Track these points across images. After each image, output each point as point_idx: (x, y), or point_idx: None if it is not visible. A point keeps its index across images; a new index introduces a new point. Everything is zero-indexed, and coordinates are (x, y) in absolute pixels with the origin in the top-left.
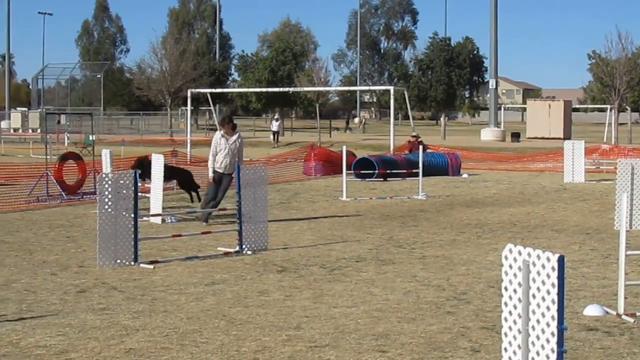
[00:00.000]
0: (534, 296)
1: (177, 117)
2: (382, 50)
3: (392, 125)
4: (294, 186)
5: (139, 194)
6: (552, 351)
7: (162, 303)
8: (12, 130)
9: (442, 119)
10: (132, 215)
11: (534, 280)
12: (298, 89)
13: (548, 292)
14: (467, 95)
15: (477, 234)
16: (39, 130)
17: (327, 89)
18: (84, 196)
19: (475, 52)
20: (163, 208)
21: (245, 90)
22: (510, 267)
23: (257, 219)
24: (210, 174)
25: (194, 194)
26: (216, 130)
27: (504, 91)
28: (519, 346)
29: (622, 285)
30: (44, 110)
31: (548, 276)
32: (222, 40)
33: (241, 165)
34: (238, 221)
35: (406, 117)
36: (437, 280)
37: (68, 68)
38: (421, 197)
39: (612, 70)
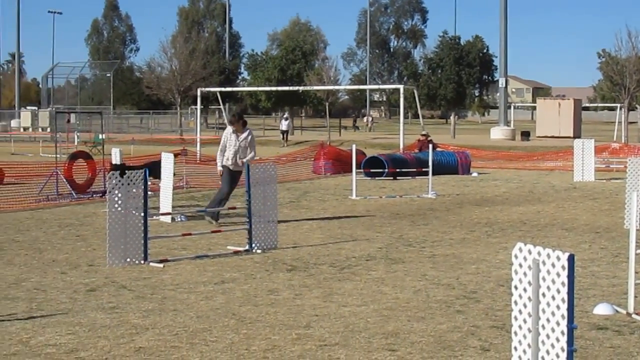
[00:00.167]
0: (543, 295)
1: (186, 116)
2: (391, 49)
3: (401, 124)
4: (303, 185)
5: (149, 192)
6: (562, 350)
7: (171, 302)
8: (22, 129)
9: (451, 117)
10: (142, 214)
11: (543, 279)
12: (308, 88)
13: (558, 291)
14: (476, 94)
15: (487, 232)
16: (48, 129)
17: (336, 87)
18: (94, 195)
19: (485, 50)
20: (173, 207)
21: (255, 89)
22: (520, 265)
23: (266, 218)
24: (219, 168)
25: None
26: (225, 128)
27: (513, 90)
28: (528, 345)
29: (632, 284)
30: (53, 109)
31: (558, 275)
32: (231, 39)
33: (252, 158)
34: (248, 220)
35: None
36: (446, 279)
37: (78, 67)
38: (431, 195)
39: (622, 68)
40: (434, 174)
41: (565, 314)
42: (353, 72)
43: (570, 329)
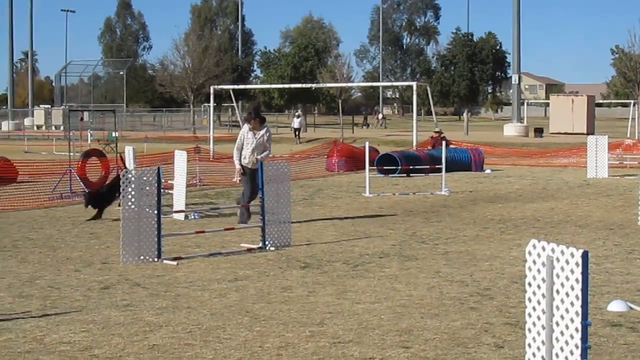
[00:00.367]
0: (557, 292)
1: (199, 113)
2: (404, 46)
3: (414, 121)
4: (316, 182)
5: (162, 190)
6: (576, 347)
7: (185, 299)
8: (35, 128)
9: (464, 114)
10: (156, 212)
11: (557, 275)
12: (320, 85)
13: (572, 288)
14: (489, 91)
15: (501, 229)
16: (62, 127)
17: (349, 85)
18: None
19: (497, 47)
20: (186, 204)
21: (268, 86)
22: (534, 262)
23: (280, 216)
24: (238, 166)
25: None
26: (239, 126)
27: (526, 86)
28: (542, 342)
29: None
30: (67, 107)
31: (572, 272)
32: (244, 37)
33: (267, 156)
34: (261, 217)
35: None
36: (460, 276)
37: (91, 65)
38: (444, 192)
39: (635, 65)
40: (447, 171)
41: (579, 311)
42: (366, 69)
43: (584, 325)
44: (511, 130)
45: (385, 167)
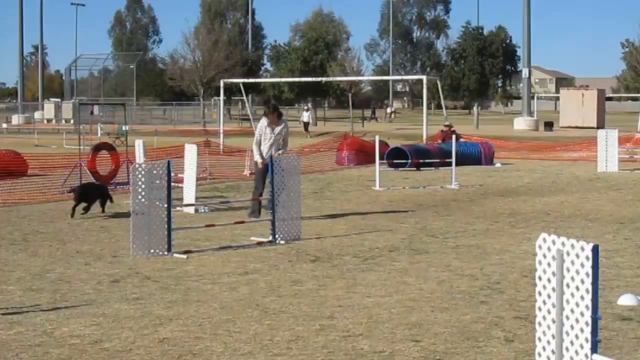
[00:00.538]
0: (567, 285)
1: (209, 107)
2: (414, 40)
3: (425, 115)
4: (327, 176)
5: (172, 184)
6: (586, 340)
7: (195, 293)
8: (45, 121)
9: (475, 108)
10: (166, 205)
11: (567, 269)
12: (330, 79)
13: (582, 282)
14: (499, 85)
15: (511, 223)
16: (72, 121)
17: (359, 78)
18: (117, 186)
19: (508, 41)
20: (196, 198)
21: (278, 80)
22: (544, 256)
23: (290, 209)
24: (259, 160)
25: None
26: (249, 120)
27: (537, 80)
28: (552, 336)
29: None
30: (77, 101)
31: (582, 265)
32: (254, 31)
33: (285, 152)
34: (271, 211)
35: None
36: (470, 270)
37: (101, 59)
38: (454, 186)
39: None
40: (457, 164)
41: (590, 305)
42: (376, 63)
43: (595, 319)
44: (521, 124)
45: (395, 161)
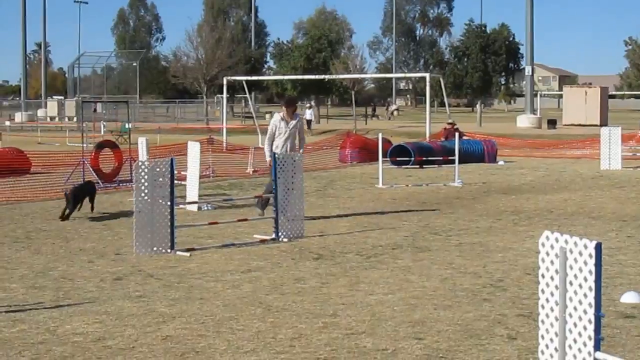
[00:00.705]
0: (571, 283)
1: (213, 104)
2: (417, 37)
3: (428, 113)
4: (330, 174)
5: (175, 181)
6: (589, 338)
7: (198, 290)
8: (48, 119)
9: (478, 106)
10: (169, 203)
11: (571, 267)
12: (334, 77)
13: (585, 279)
14: (503, 82)
15: (514, 221)
16: (75, 119)
17: (362, 76)
18: (121, 184)
19: (511, 38)
20: (199, 196)
21: (281, 77)
22: (547, 254)
23: (293, 207)
24: (268, 158)
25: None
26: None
27: (540, 78)
28: (556, 333)
29: None
30: (80, 98)
31: (585, 263)
32: (257, 28)
33: (303, 147)
34: (274, 209)
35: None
36: (473, 268)
37: (104, 56)
38: (457, 184)
39: None
40: (460, 162)
41: (592, 303)
42: (379, 61)
43: (598, 317)
44: (524, 121)
45: (398, 159)
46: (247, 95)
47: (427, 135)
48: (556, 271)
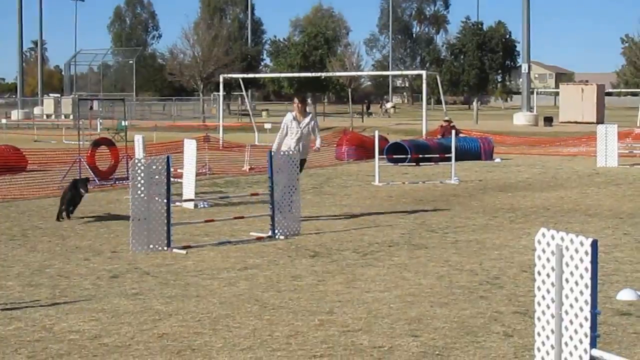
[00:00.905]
0: (567, 280)
1: (209, 102)
2: (414, 35)
3: (424, 110)
4: (326, 171)
5: (172, 179)
6: (586, 336)
7: (194, 288)
8: (44, 117)
9: (474, 103)
10: (165, 201)
11: (567, 264)
12: (330, 74)
13: (581, 277)
14: (499, 80)
15: (510, 218)
16: (71, 116)
17: (359, 73)
18: (117, 182)
19: (507, 36)
20: (196, 193)
21: (278, 75)
22: (544, 251)
23: (289, 204)
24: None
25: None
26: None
27: (536, 75)
28: (552, 331)
29: None
30: (76, 96)
31: (581, 260)
32: (254, 26)
33: (320, 143)
34: (270, 206)
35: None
36: (469, 265)
37: (100, 54)
38: (454, 181)
39: None
40: (456, 159)
41: (589, 300)
42: (375, 58)
43: (594, 314)
44: (521, 119)
45: (394, 156)
46: (244, 92)
47: (424, 132)
48: (552, 268)
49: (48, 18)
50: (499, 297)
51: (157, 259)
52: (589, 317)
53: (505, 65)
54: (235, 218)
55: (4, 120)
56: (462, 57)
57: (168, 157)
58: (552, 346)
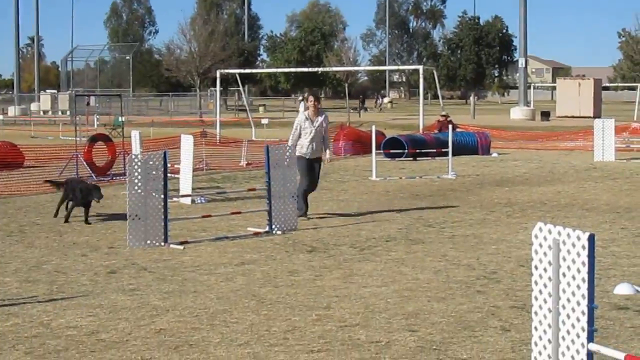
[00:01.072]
0: (564, 275)
1: (206, 98)
2: (411, 30)
3: (421, 105)
4: (323, 166)
5: (169, 175)
6: (583, 330)
7: (192, 283)
8: (41, 112)
9: (471, 98)
10: (162, 196)
11: (564, 258)
12: (327, 69)
13: (578, 271)
14: (496, 75)
15: (507, 213)
16: (68, 112)
17: (356, 68)
18: (114, 177)
19: (504, 31)
20: (193, 189)
21: (274, 70)
22: (541, 245)
23: (286, 199)
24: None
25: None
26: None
27: (533, 70)
28: (549, 325)
29: None
30: (73, 92)
31: (578, 255)
32: (250, 21)
33: (328, 146)
34: (268, 202)
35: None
36: (467, 260)
37: (97, 50)
38: (451, 176)
39: None
40: (453, 154)
41: (586, 294)
42: (372, 53)
43: (591, 308)
44: (518, 113)
45: (392, 151)
46: (240, 88)
47: (421, 127)
48: (549, 263)
49: (44, 14)
50: (496, 291)
51: (155, 255)
52: (586, 311)
53: (502, 60)
54: (233, 213)
55: (0, 117)
56: (459, 51)
57: (165, 153)
58: (549, 340)
